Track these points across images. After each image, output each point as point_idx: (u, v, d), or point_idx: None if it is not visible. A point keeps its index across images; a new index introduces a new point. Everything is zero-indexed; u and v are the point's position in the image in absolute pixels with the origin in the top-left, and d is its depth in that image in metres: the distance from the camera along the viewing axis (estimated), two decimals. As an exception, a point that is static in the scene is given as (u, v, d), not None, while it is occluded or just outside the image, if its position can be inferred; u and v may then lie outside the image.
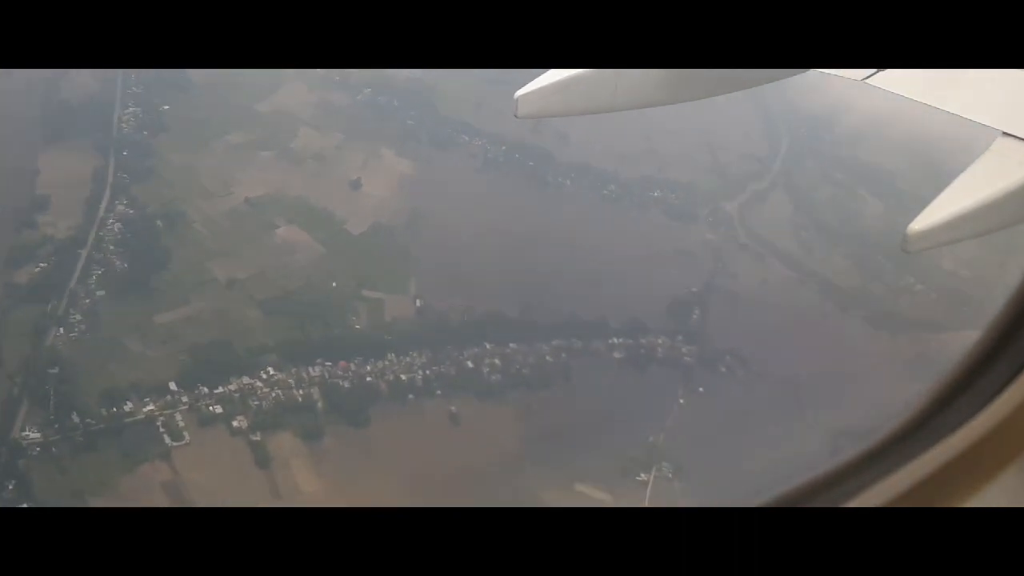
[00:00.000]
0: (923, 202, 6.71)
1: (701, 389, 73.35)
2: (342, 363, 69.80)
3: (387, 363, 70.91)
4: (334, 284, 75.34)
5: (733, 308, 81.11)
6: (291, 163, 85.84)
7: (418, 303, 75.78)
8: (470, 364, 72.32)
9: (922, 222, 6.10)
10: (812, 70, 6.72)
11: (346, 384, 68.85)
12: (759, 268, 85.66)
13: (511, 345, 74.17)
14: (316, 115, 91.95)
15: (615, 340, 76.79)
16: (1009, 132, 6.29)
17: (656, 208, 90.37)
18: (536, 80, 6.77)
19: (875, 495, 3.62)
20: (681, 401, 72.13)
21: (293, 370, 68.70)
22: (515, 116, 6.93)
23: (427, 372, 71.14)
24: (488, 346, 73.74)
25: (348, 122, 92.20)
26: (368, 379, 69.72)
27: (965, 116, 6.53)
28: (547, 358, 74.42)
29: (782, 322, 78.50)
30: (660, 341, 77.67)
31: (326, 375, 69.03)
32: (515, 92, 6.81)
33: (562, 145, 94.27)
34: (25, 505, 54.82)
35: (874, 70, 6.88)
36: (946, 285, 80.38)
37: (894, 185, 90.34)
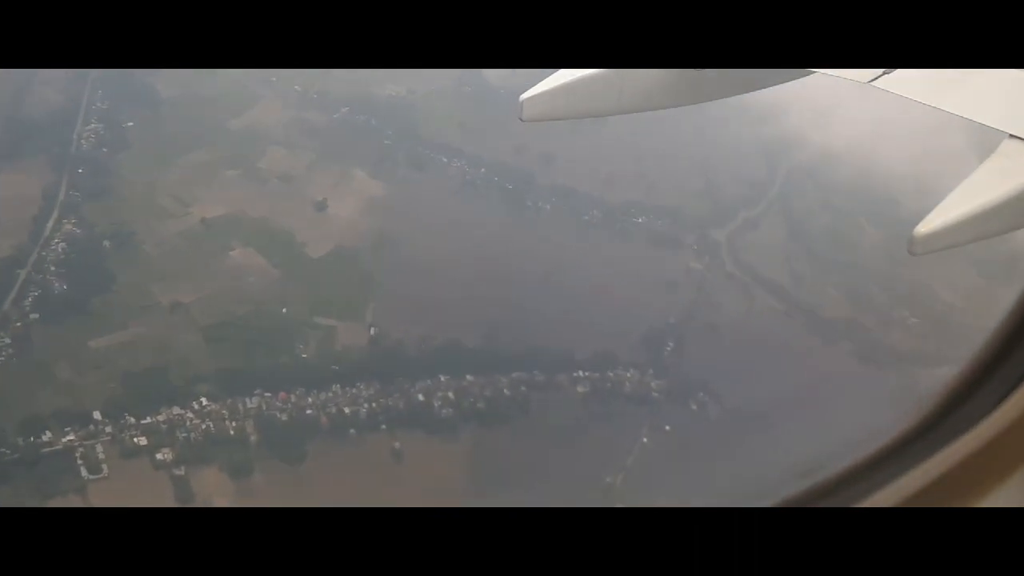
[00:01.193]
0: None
1: (668, 427, 69.23)
2: (282, 394, 66.93)
3: (331, 395, 67.95)
4: (284, 310, 72.47)
5: (711, 341, 76.99)
6: (256, 183, 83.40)
7: (372, 331, 72.65)
8: (421, 397, 69.08)
9: (928, 225, 5.82)
10: (817, 73, 6.78)
11: (284, 417, 65.87)
12: (744, 299, 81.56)
13: (468, 377, 70.79)
14: (289, 134, 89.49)
15: (580, 373, 73.20)
16: (1016, 134, 6.21)
17: (640, 235, 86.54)
18: (541, 83, 6.82)
19: (888, 495, 3.53)
20: (645, 439, 68.22)
21: (228, 401, 65.91)
22: (520, 120, 6.94)
23: (373, 405, 67.99)
24: (443, 378, 70.38)
25: (322, 141, 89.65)
26: (308, 412, 66.68)
27: (971, 118, 6.42)
28: (505, 391, 70.99)
29: (762, 356, 74.17)
30: (629, 375, 74.04)
31: (263, 407, 66.13)
32: (514, 99, 6.79)
33: (546, 167, 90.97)
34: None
35: (880, 72, 6.72)
36: (942, 318, 75.72)
37: (896, 214, 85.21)
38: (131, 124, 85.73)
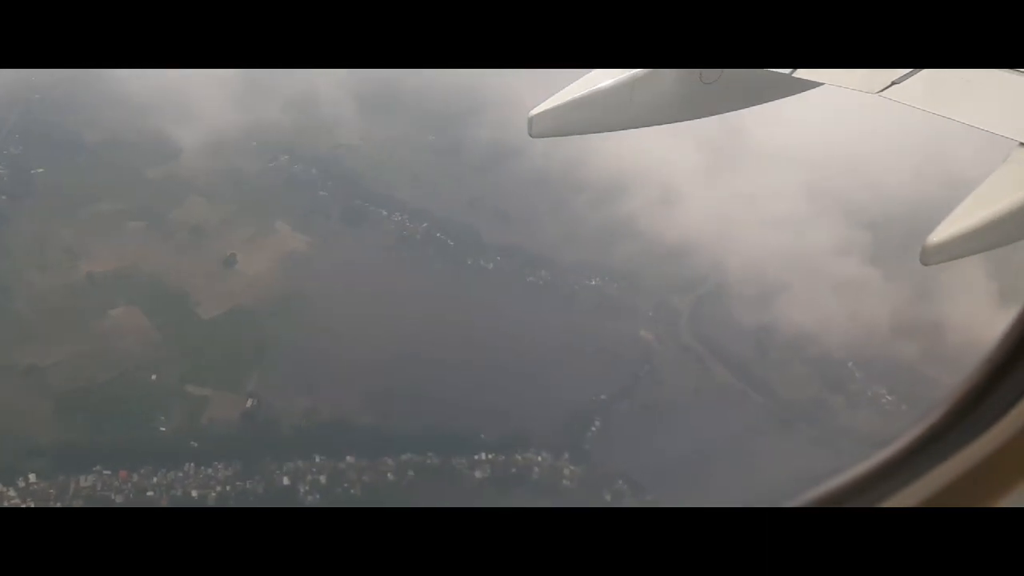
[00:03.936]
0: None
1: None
2: (122, 473, 60.89)
3: (181, 475, 61.52)
4: (154, 377, 66.80)
5: (644, 422, 68.52)
6: (161, 235, 78.65)
7: (250, 403, 66.37)
8: (286, 480, 62.30)
9: (940, 234, 5.89)
10: (825, 84, 7.00)
11: (118, 498, 59.56)
12: (696, 374, 72.91)
13: (348, 458, 63.82)
14: (213, 182, 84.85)
15: (483, 456, 65.79)
16: None
17: (589, 298, 78.58)
18: (550, 99, 6.99)
19: (908, 496, 3.51)
20: (533, 537, 59.00)
21: (60, 478, 59.97)
22: (530, 136, 7.01)
23: (226, 488, 61.57)
24: (318, 459, 63.50)
25: (248, 192, 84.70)
26: (149, 494, 60.43)
27: (980, 127, 6.41)
28: (388, 476, 63.51)
29: (702, 441, 65.36)
30: (540, 459, 66.46)
31: (99, 486, 60.38)
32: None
33: (498, 224, 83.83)
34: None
35: (889, 83, 6.78)
36: (922, 394, 65.41)
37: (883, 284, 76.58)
38: (40, 170, 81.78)
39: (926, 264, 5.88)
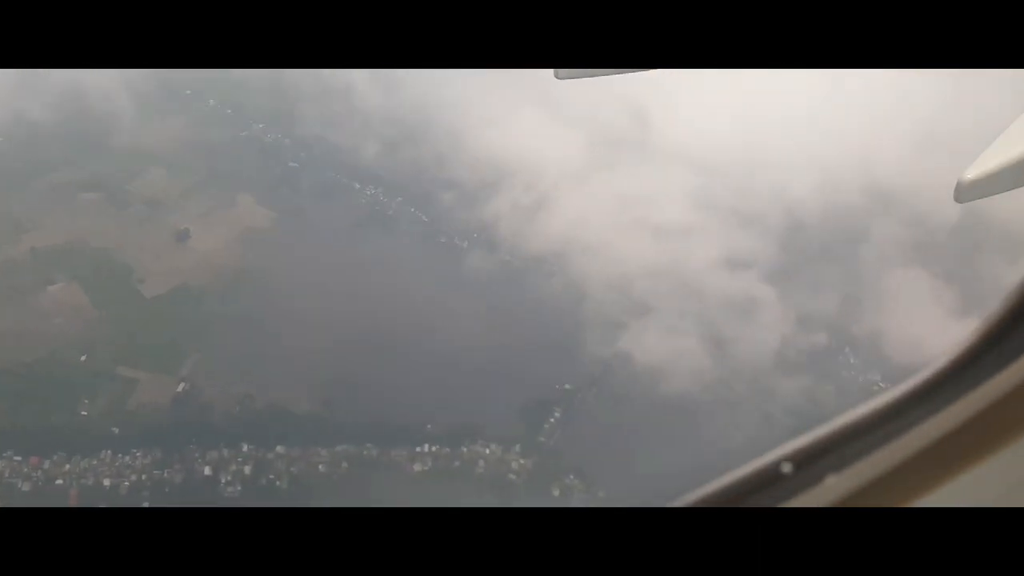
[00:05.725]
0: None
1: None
2: (33, 459, 58.72)
3: (96, 463, 59.13)
4: (84, 358, 64.35)
5: (609, 412, 64.54)
6: (115, 208, 76.33)
7: (182, 387, 63.47)
8: (208, 471, 59.37)
9: (974, 171, 5.83)
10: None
11: (25, 487, 57.37)
12: (671, 361, 67.95)
13: (278, 448, 60.59)
14: (178, 152, 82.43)
15: (426, 448, 62.29)
16: None
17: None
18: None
19: (820, 494, 3.49)
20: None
21: (-33, 463, 57.68)
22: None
23: (142, 477, 58.84)
24: (246, 448, 60.48)
25: (214, 162, 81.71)
26: (58, 482, 58.17)
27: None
28: (320, 468, 60.32)
29: (669, 432, 61.26)
30: (488, 451, 62.89)
31: (6, 473, 58.27)
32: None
33: (487, 198, 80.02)
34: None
35: None
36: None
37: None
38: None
39: (959, 201, 5.78)
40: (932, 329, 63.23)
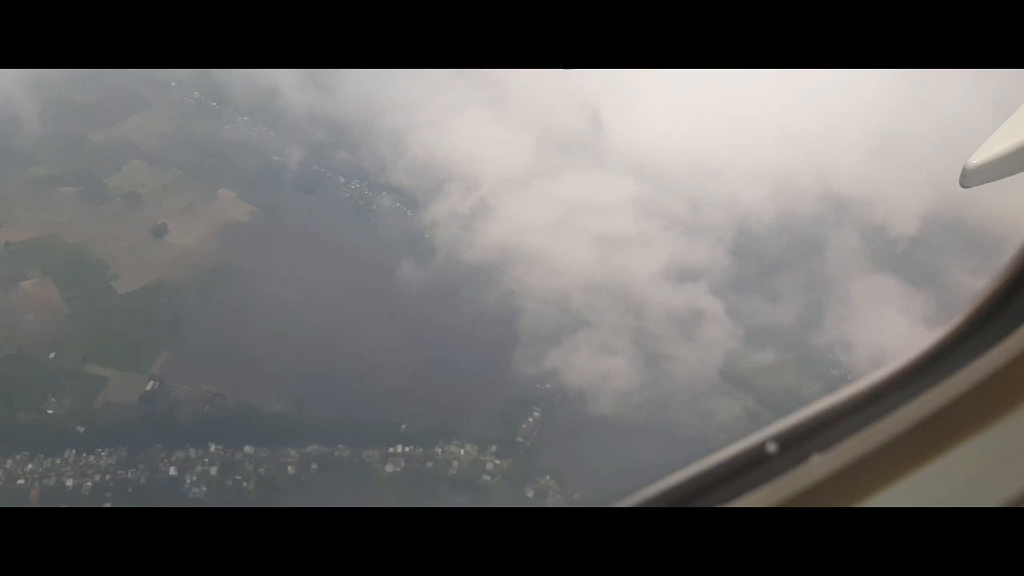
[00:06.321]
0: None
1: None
2: (-5, 458, 57.48)
3: (60, 462, 58.30)
4: (53, 355, 63.39)
5: (591, 412, 63.28)
6: (94, 202, 75.44)
7: (151, 385, 62.49)
8: (173, 471, 58.51)
9: (980, 156, 5.66)
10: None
11: (-17, 488, 56.26)
12: (663, 360, 66.73)
13: (247, 448, 59.54)
14: (161, 146, 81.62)
15: (399, 448, 61.03)
16: None
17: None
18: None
19: (766, 495, 3.47)
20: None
21: (-71, 463, 57.13)
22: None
23: (105, 478, 57.97)
24: (213, 448, 59.44)
25: (198, 155, 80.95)
26: (19, 482, 57.42)
27: None
28: (289, 469, 59.31)
29: (648, 435, 60.13)
30: (463, 451, 61.66)
31: (-33, 473, 56.83)
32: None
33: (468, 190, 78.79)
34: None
35: None
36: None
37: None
38: (-21, 134, 79.44)
39: (965, 186, 5.56)
40: (892, 343, 61.32)
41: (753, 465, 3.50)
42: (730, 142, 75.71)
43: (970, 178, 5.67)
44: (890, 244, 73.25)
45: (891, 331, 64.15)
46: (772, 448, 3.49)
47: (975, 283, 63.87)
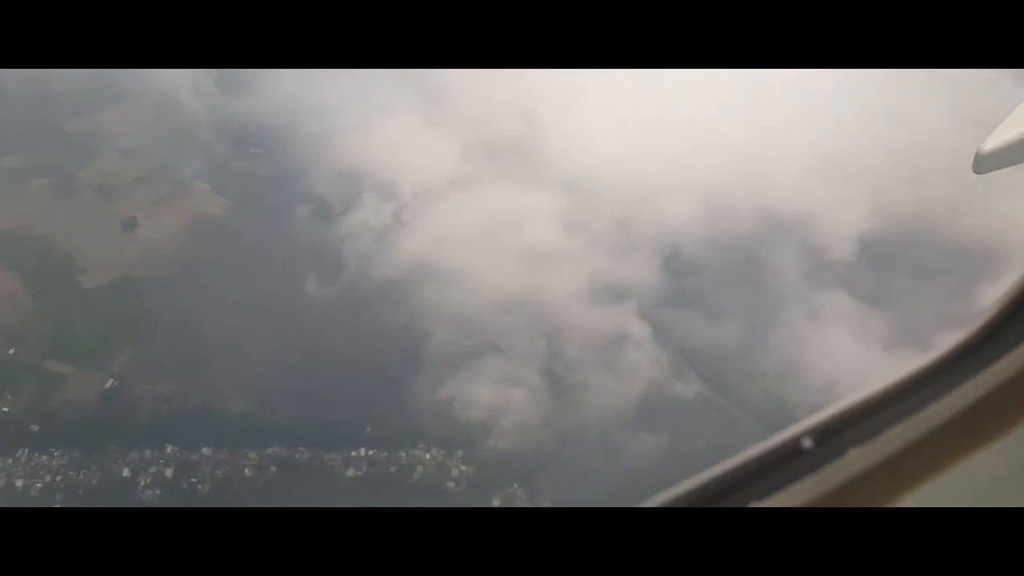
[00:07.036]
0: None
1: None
2: (-57, 458, 56.62)
3: (11, 462, 57.71)
4: (12, 351, 62.80)
5: (565, 413, 61.91)
6: (64, 194, 74.41)
7: (110, 383, 61.44)
8: (126, 473, 57.64)
9: (993, 142, 5.80)
10: None
11: (-68, 488, 55.46)
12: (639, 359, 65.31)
13: (204, 450, 58.49)
14: (137, 138, 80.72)
15: (362, 452, 59.75)
16: None
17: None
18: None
19: (795, 495, 3.49)
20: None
21: None
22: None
23: (56, 479, 56.95)
24: (170, 449, 58.33)
25: (174, 147, 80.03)
26: (-30, 482, 55.91)
27: None
28: (246, 471, 58.18)
29: (622, 439, 59.21)
30: (428, 456, 60.28)
31: (-86, 472, 56.06)
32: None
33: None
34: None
35: None
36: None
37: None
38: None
39: (978, 173, 5.70)
40: (832, 374, 59.11)
41: (784, 461, 3.40)
42: (665, 157, 72.95)
43: (983, 164, 5.66)
44: (831, 263, 70.54)
45: (825, 354, 62.17)
46: (807, 443, 3.40)
47: (924, 300, 61.80)
